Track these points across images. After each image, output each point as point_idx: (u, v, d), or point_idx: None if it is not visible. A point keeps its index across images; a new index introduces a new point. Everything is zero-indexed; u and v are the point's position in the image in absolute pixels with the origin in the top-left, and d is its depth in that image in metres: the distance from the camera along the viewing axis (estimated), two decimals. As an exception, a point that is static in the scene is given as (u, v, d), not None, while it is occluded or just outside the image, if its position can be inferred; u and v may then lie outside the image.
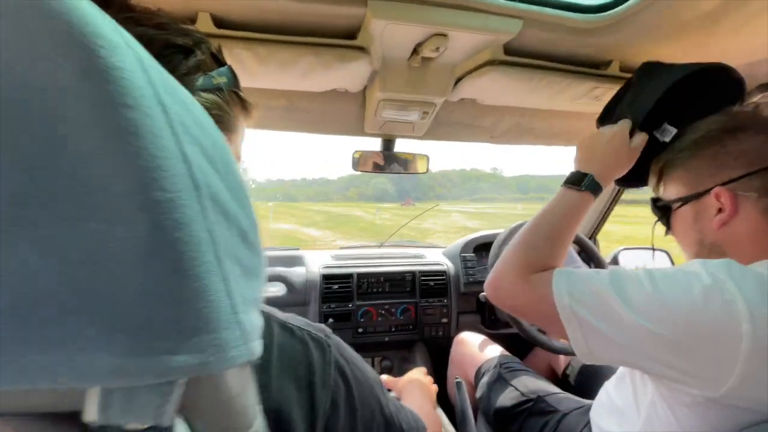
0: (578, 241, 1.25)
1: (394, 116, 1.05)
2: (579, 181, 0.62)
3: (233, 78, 0.37)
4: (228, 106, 0.36)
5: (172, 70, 0.30)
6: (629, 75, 0.90)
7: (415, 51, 0.81)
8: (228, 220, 0.18)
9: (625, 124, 0.66)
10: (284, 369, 0.31)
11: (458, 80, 0.93)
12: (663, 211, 0.59)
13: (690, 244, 0.56)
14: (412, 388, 0.75)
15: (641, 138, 0.66)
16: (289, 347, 0.33)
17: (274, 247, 1.59)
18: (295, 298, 1.24)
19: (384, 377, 0.83)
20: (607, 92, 0.92)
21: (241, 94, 0.39)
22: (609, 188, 1.42)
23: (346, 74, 0.85)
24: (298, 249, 1.56)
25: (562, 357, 1.23)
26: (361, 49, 0.78)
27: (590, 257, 1.25)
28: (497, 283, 0.58)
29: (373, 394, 0.39)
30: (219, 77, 0.35)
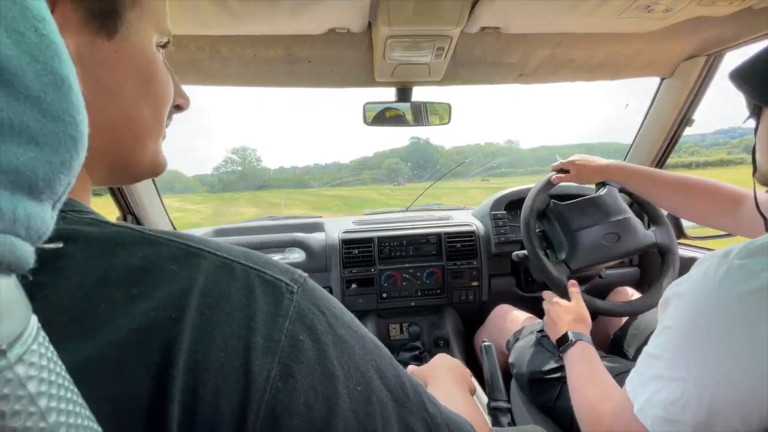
0: (631, 194, 1.07)
1: (405, 57, 0.94)
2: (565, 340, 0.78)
3: None
4: None
5: None
6: None
7: (420, -33, 0.70)
8: None
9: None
10: (206, 324, 0.22)
11: (475, 2, 0.79)
12: (756, 106, 0.47)
13: None
14: (440, 377, 0.59)
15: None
16: (218, 293, 0.23)
17: (296, 216, 1.55)
18: (315, 263, 1.20)
19: (410, 367, 0.66)
20: (662, -3, 0.75)
21: None
22: (672, 113, 1.20)
23: (343, 6, 0.75)
24: (320, 217, 1.51)
25: (614, 319, 1.09)
26: None
27: (644, 209, 1.08)
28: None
29: (368, 357, 0.28)
30: None
